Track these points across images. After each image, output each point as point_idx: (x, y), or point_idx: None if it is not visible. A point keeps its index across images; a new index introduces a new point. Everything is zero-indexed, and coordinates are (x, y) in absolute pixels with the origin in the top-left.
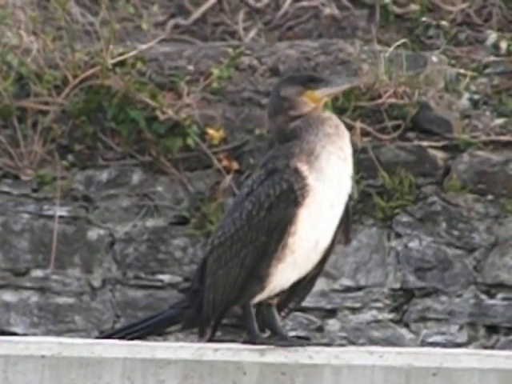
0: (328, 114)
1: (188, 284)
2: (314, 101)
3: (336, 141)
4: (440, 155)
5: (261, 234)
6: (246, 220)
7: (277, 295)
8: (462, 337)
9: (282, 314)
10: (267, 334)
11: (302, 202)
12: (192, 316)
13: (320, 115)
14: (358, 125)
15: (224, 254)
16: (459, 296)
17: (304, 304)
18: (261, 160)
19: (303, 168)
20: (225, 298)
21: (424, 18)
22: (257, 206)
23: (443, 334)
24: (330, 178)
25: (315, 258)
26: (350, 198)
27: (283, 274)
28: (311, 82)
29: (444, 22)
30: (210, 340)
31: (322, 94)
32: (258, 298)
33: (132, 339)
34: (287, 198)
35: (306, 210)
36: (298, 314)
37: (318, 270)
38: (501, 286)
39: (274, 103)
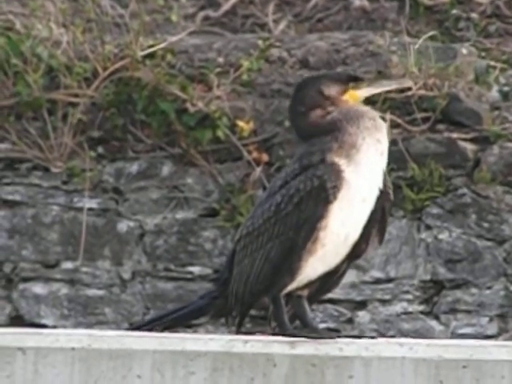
0: (364, 106)
1: (217, 275)
2: (354, 100)
3: (374, 134)
4: (470, 147)
5: (288, 228)
6: (273, 212)
7: (306, 286)
8: (492, 328)
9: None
10: (295, 325)
11: (333, 199)
12: (221, 306)
13: (358, 108)
14: (388, 116)
15: (250, 244)
16: (489, 288)
17: (334, 296)
18: (295, 153)
19: (341, 162)
20: (248, 290)
21: (454, 11)
22: (286, 199)
23: (473, 325)
24: (365, 172)
25: (344, 251)
26: (388, 198)
27: (312, 267)
28: (353, 81)
29: (474, 14)
30: (238, 331)
31: (363, 93)
32: (287, 290)
33: (162, 330)
34: (318, 196)
35: (339, 205)
36: (329, 305)
37: (346, 263)
38: None
39: (312, 100)
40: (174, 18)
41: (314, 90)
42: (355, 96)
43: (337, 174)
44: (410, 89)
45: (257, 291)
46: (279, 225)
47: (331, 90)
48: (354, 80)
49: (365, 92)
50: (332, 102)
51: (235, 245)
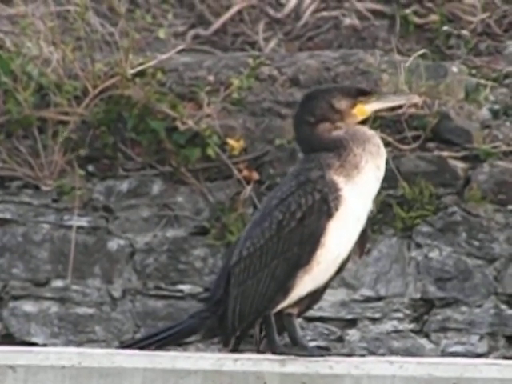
0: (371, 131)
1: (207, 294)
2: (362, 114)
3: (376, 159)
4: (460, 165)
5: (292, 245)
6: (276, 230)
7: (296, 304)
8: (483, 347)
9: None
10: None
11: (335, 211)
12: (213, 326)
13: (365, 131)
14: (379, 135)
15: (253, 265)
16: (479, 306)
17: (324, 314)
18: (289, 172)
19: (340, 180)
20: (254, 309)
21: (445, 28)
22: (287, 215)
23: (463, 344)
24: (362, 193)
25: (333, 269)
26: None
27: (304, 285)
28: (362, 95)
29: (464, 32)
30: (235, 351)
31: (372, 108)
32: (278, 308)
33: (152, 349)
34: (320, 210)
35: (336, 223)
36: (318, 324)
37: (332, 279)
38: None
39: (321, 112)
40: (161, 34)
41: (325, 102)
42: (363, 110)
43: (336, 190)
44: (400, 107)
45: (263, 309)
46: (283, 242)
47: (341, 104)
48: (364, 94)
49: (373, 106)
50: (341, 115)
51: (232, 267)
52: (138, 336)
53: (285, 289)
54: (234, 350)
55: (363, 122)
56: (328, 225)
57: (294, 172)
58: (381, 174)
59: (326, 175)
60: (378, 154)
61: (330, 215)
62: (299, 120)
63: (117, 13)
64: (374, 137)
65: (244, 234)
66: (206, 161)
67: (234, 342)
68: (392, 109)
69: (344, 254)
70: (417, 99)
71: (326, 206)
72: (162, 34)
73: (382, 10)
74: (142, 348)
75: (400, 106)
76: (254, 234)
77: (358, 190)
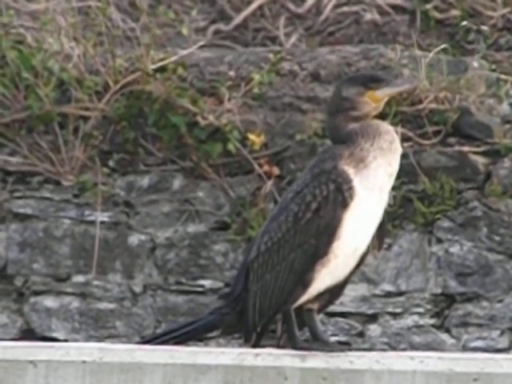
0: (387, 126)
1: (227, 290)
2: (375, 101)
3: (387, 155)
4: (481, 160)
5: (309, 236)
6: (292, 222)
7: (315, 299)
8: (504, 342)
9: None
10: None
11: (349, 203)
12: (232, 322)
13: (379, 126)
14: (399, 130)
15: (271, 259)
16: (500, 301)
17: (345, 309)
18: (307, 165)
19: (350, 170)
20: (273, 303)
21: (464, 22)
22: (303, 207)
23: (484, 339)
24: (372, 188)
25: (352, 263)
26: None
27: (323, 279)
28: (372, 82)
29: (484, 27)
30: (256, 346)
31: (383, 93)
32: (298, 303)
33: (172, 344)
34: (335, 200)
35: (350, 215)
36: (339, 319)
37: (352, 274)
38: None
39: (334, 103)
40: (184, 31)
41: (336, 93)
42: (375, 97)
43: (348, 180)
44: (421, 102)
45: (282, 303)
46: (300, 234)
47: (349, 92)
48: (373, 81)
49: (385, 92)
50: (351, 104)
51: (251, 263)
52: (158, 332)
53: (303, 282)
54: (255, 346)
55: (383, 118)
56: (343, 215)
57: (310, 165)
58: (393, 169)
59: (338, 165)
60: (389, 150)
61: (345, 205)
62: (326, 112)
63: (138, 8)
64: (389, 132)
65: (262, 229)
66: (226, 156)
67: (255, 337)
68: (413, 104)
69: (362, 247)
70: (419, 82)
71: (340, 196)
72: (185, 30)
73: (403, 5)
74: (161, 343)
75: (421, 101)
76: (271, 228)
77: (368, 184)
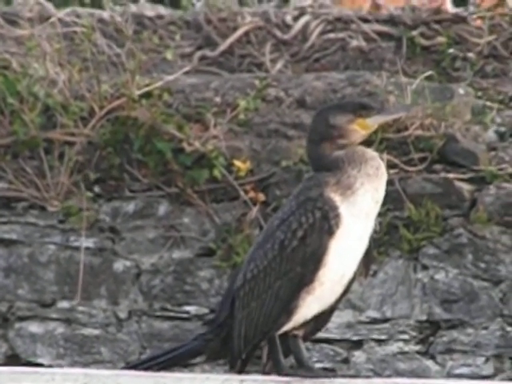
0: (372, 152)
1: (211, 316)
2: (364, 128)
3: (374, 181)
4: (466, 187)
5: (295, 264)
6: (278, 250)
7: (301, 326)
8: (488, 369)
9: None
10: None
11: (336, 229)
12: (216, 348)
13: (365, 152)
14: (385, 157)
15: (257, 287)
16: (485, 328)
17: (330, 335)
18: (292, 192)
19: (336, 198)
20: (259, 331)
21: (451, 50)
22: (289, 235)
23: (469, 366)
24: (359, 214)
25: (339, 290)
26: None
27: (309, 307)
28: (363, 109)
29: (471, 54)
30: (241, 372)
31: (375, 121)
32: (282, 330)
33: (156, 370)
34: (321, 227)
35: (336, 242)
36: (324, 345)
37: (339, 301)
38: None
39: (320, 130)
40: (169, 56)
41: (323, 120)
42: (365, 125)
43: (334, 208)
44: (406, 129)
45: (267, 330)
46: (286, 262)
47: (337, 120)
48: (363, 108)
49: (376, 120)
50: (339, 132)
51: (237, 291)
52: (142, 358)
53: (289, 309)
54: (241, 372)
55: (369, 144)
56: (329, 243)
57: (295, 192)
58: (379, 195)
59: (324, 193)
60: (376, 176)
61: (331, 233)
62: (307, 139)
63: (123, 34)
64: (374, 158)
65: (248, 256)
66: (212, 182)
67: (241, 363)
68: (398, 130)
69: (349, 273)
70: (417, 109)
71: (326, 223)
72: (169, 55)
73: (389, 31)
74: (146, 369)
75: (406, 128)
76: (258, 255)
77: (355, 210)
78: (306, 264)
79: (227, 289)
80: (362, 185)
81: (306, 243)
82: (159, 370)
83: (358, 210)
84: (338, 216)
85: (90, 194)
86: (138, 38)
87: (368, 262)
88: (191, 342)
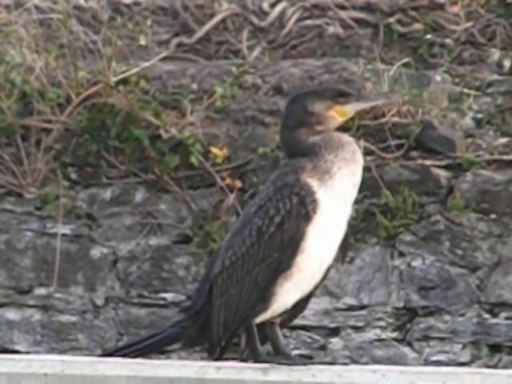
0: (348, 137)
1: (188, 303)
2: (342, 115)
3: (351, 165)
4: (443, 174)
5: (273, 250)
6: (256, 237)
7: (280, 315)
8: (465, 356)
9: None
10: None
11: (312, 217)
12: (193, 335)
13: (341, 138)
14: (362, 143)
15: (235, 274)
16: (462, 315)
17: (307, 322)
18: (268, 178)
19: (313, 183)
20: (237, 318)
21: (428, 36)
22: (266, 221)
23: (446, 352)
24: (337, 198)
25: (318, 276)
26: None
27: (288, 294)
28: (341, 96)
29: (448, 41)
30: (219, 359)
31: (353, 108)
32: (260, 318)
33: (133, 357)
34: (298, 213)
35: (314, 228)
36: (302, 332)
37: (316, 288)
38: (504, 305)
39: (297, 116)
40: (142, 41)
41: (300, 106)
42: (343, 111)
43: (311, 193)
44: (383, 115)
45: (246, 317)
46: (263, 248)
47: (315, 107)
48: (342, 95)
49: (354, 107)
50: (317, 118)
51: (215, 278)
52: (119, 345)
53: (267, 296)
54: (219, 359)
55: (346, 130)
56: (307, 229)
57: (271, 178)
58: (356, 180)
59: (300, 178)
60: (353, 160)
61: (308, 219)
62: (281, 125)
63: (100, 21)
64: (350, 143)
65: (225, 243)
66: (189, 169)
67: (219, 351)
68: (375, 117)
69: (328, 259)
70: (396, 96)
71: (303, 209)
72: (142, 40)
73: (366, 18)
74: (122, 356)
75: (383, 115)
76: (235, 242)
77: (332, 195)
78: (284, 250)
79: (204, 276)
80: (340, 169)
81: (284, 229)
82: (136, 356)
83: (336, 195)
84: (315, 201)
85: (66, 181)
86: (114, 25)
87: (345, 248)
88: (168, 329)
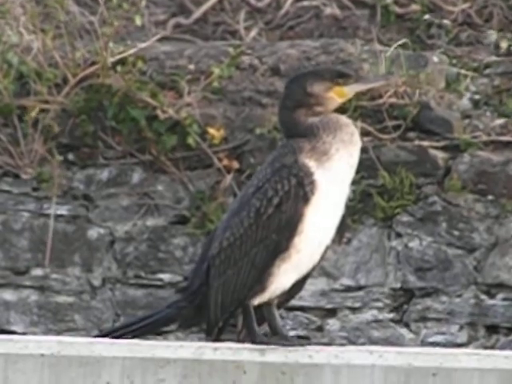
0: (346, 119)
1: (185, 284)
2: (341, 97)
3: (349, 147)
4: (440, 155)
5: (271, 231)
6: (254, 218)
7: (277, 296)
8: (462, 337)
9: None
10: (265, 332)
11: (310, 198)
12: (189, 316)
13: (339, 119)
14: (359, 124)
15: (233, 255)
16: (459, 296)
17: (304, 303)
18: (266, 159)
19: (311, 164)
20: (235, 299)
21: (425, 17)
22: (264, 202)
23: (443, 333)
24: (335, 179)
25: (316, 257)
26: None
27: (286, 275)
28: (340, 77)
29: (445, 22)
30: (216, 340)
31: (352, 90)
32: (258, 300)
33: (129, 338)
34: (297, 194)
35: (313, 208)
36: (298, 313)
37: (314, 269)
38: (501, 286)
39: (296, 97)
40: (137, 21)
41: (299, 87)
42: (342, 92)
43: (309, 174)
44: (380, 96)
45: (243, 298)
46: (261, 229)
47: (314, 88)
48: (341, 76)
49: (353, 88)
50: (317, 99)
51: (212, 259)
52: (116, 325)
53: (264, 277)
54: (216, 340)
55: (343, 112)
56: (305, 210)
57: (269, 159)
58: (354, 161)
59: (298, 159)
60: (350, 142)
61: (306, 200)
62: (280, 105)
63: (97, 1)
64: (348, 125)
65: (222, 224)
66: (186, 150)
67: (216, 331)
68: (372, 98)
69: (326, 240)
70: (396, 78)
71: (302, 190)
72: (138, 20)
73: None
74: (118, 337)
75: (380, 96)
76: (233, 223)
77: (331, 176)
78: (282, 231)
79: (200, 256)
80: (338, 150)
81: (282, 210)
82: (132, 337)
83: (334, 176)
84: (313, 182)
85: (62, 161)
86: (110, 6)
87: (342, 229)
88: (164, 309)
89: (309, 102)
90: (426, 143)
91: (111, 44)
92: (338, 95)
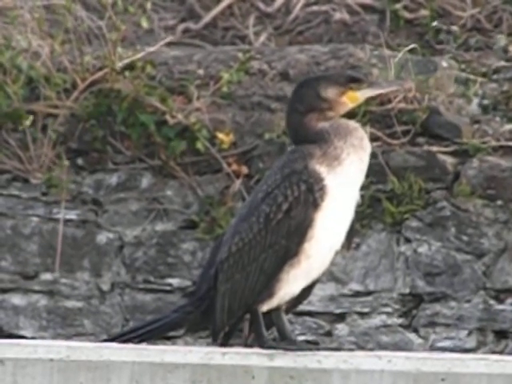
0: (355, 124)
1: (192, 289)
2: (353, 101)
3: (359, 152)
4: (449, 160)
5: (280, 237)
6: (263, 224)
7: (286, 302)
8: (471, 342)
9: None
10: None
11: (321, 202)
12: (196, 321)
13: (349, 124)
14: (368, 129)
15: (241, 260)
16: (468, 301)
17: (313, 308)
18: (275, 164)
19: (321, 169)
20: (242, 304)
21: (434, 23)
22: (274, 208)
23: (452, 339)
24: (346, 184)
25: (327, 263)
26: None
27: (295, 281)
28: (353, 82)
29: (454, 27)
30: (224, 345)
31: (365, 95)
32: (267, 306)
33: (136, 342)
34: (306, 200)
35: (323, 214)
36: (307, 318)
37: (322, 274)
38: (510, 291)
39: (308, 102)
40: (144, 24)
41: (312, 91)
42: (355, 97)
43: (320, 180)
44: (390, 101)
45: (251, 303)
46: (271, 235)
47: (328, 92)
48: (354, 81)
49: (366, 93)
50: (329, 104)
51: (221, 264)
52: (123, 330)
53: (273, 283)
54: (224, 345)
55: (353, 117)
56: (315, 216)
57: (278, 165)
58: (364, 166)
59: (308, 165)
60: (360, 147)
61: (316, 205)
62: (290, 109)
63: (104, 5)
64: (358, 130)
65: (231, 229)
66: (195, 154)
67: (224, 336)
68: (381, 103)
69: (337, 246)
70: (409, 84)
71: (311, 196)
72: (144, 23)
73: (372, 4)
74: (126, 341)
75: (390, 101)
76: (242, 228)
77: (341, 181)
78: (291, 237)
79: (208, 261)
80: (348, 155)
81: (291, 216)
82: (139, 342)
83: (345, 181)
84: (323, 188)
85: (72, 167)
86: (118, 10)
87: (351, 234)
88: (171, 314)
89: (321, 106)
90: (434, 148)
91: (119, 49)
92: (350, 100)
